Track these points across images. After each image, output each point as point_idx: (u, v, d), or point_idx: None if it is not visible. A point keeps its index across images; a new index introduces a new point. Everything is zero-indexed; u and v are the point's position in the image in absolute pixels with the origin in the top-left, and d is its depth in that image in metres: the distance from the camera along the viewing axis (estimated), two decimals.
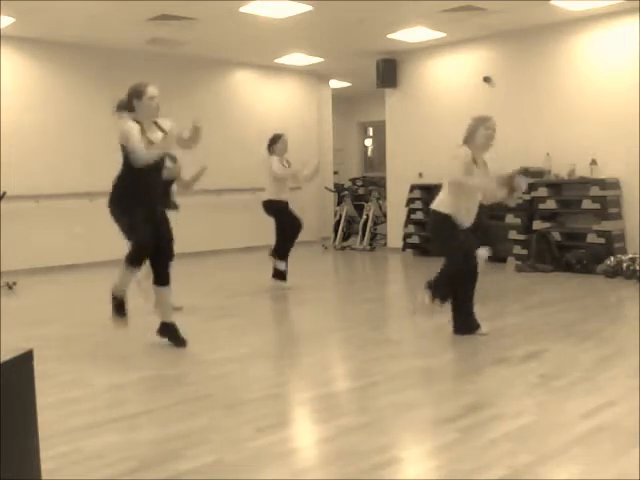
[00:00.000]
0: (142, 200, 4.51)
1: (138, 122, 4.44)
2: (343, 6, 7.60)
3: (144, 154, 4.34)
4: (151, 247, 4.53)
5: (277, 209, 7.11)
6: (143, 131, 4.43)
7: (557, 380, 3.89)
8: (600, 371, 4.06)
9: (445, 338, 4.90)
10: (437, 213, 4.72)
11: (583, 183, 8.30)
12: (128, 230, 4.54)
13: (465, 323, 4.92)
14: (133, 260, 4.54)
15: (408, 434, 3.23)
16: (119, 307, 4.64)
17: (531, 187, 8.67)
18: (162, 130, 4.54)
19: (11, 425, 1.95)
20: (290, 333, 5.71)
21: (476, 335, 4.90)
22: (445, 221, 4.69)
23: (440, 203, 4.75)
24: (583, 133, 8.52)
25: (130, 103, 4.49)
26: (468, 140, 4.70)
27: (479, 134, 4.67)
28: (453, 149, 4.70)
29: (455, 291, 4.75)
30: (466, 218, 4.74)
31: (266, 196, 7.15)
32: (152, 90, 4.50)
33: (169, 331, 4.86)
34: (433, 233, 5.04)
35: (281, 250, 7.16)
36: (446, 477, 2.68)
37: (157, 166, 4.55)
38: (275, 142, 7.13)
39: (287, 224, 7.13)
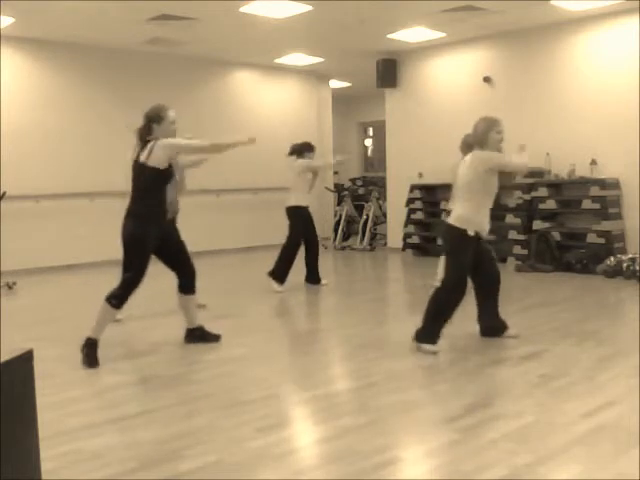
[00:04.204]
0: (157, 224, 4.47)
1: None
2: (343, 6, 7.60)
3: (202, 144, 4.45)
4: (135, 290, 4.46)
5: (300, 216, 7.20)
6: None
7: (557, 380, 3.89)
8: (600, 371, 4.06)
9: (445, 338, 4.89)
10: (454, 228, 4.51)
11: (583, 183, 8.30)
12: (135, 260, 4.39)
13: (490, 325, 4.89)
14: (121, 297, 4.39)
15: (408, 434, 3.23)
16: (91, 354, 4.38)
17: (531, 187, 8.69)
18: None
19: (11, 425, 1.95)
20: (290, 333, 5.71)
21: (504, 337, 4.86)
22: (460, 237, 4.49)
23: (458, 218, 4.52)
24: (583, 133, 8.52)
25: (149, 127, 4.39)
26: (480, 143, 4.52)
27: (491, 138, 4.51)
28: (474, 154, 4.52)
29: (450, 314, 4.53)
30: (486, 224, 4.60)
31: (292, 202, 7.23)
32: (173, 114, 4.46)
33: (199, 335, 4.91)
34: (447, 247, 4.74)
35: (281, 271, 7.14)
36: (446, 477, 2.68)
37: (167, 182, 4.54)
38: (310, 150, 7.31)
39: (305, 237, 7.25)
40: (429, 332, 4.53)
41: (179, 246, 4.75)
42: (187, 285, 4.78)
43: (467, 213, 4.50)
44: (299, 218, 7.21)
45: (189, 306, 4.88)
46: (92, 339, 4.42)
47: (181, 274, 4.77)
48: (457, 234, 4.51)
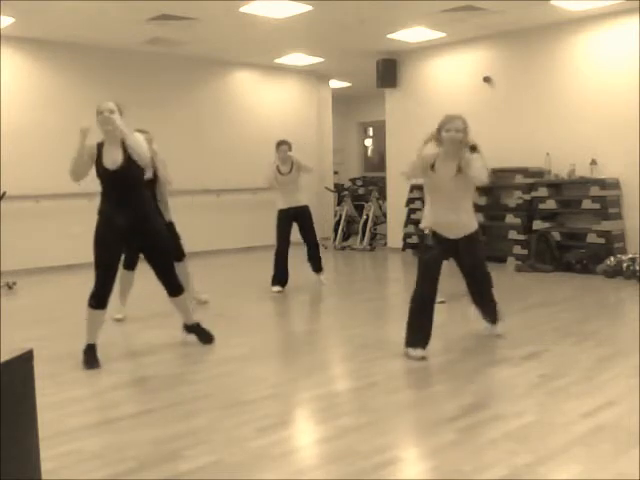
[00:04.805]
0: (116, 222, 4.43)
1: (100, 143, 4.49)
2: (343, 6, 7.60)
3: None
4: (110, 287, 4.48)
5: (278, 219, 7.17)
6: (100, 151, 4.50)
7: (557, 380, 3.89)
8: (600, 371, 4.06)
9: (445, 338, 4.89)
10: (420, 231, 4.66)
11: (583, 183, 8.29)
12: (96, 257, 4.45)
13: (487, 310, 4.86)
14: (96, 297, 4.41)
15: (408, 434, 3.23)
16: (90, 357, 4.41)
17: (531, 187, 8.70)
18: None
19: (11, 425, 1.95)
20: (290, 333, 5.71)
21: (493, 336, 4.85)
22: (423, 238, 4.57)
23: (423, 218, 4.65)
24: (583, 133, 8.51)
25: None
26: (436, 141, 4.54)
27: (441, 137, 4.50)
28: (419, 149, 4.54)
29: (422, 311, 4.43)
30: (445, 224, 4.47)
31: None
32: (99, 105, 4.49)
33: (194, 330, 4.93)
34: None
35: (275, 275, 7.13)
36: (446, 477, 2.68)
37: (124, 182, 4.46)
38: (276, 148, 7.19)
39: (303, 237, 7.26)
40: (409, 335, 4.46)
41: (154, 247, 4.68)
42: (171, 289, 4.75)
43: (425, 211, 4.66)
44: (277, 221, 7.20)
45: (182, 305, 4.85)
46: (89, 345, 4.45)
47: (161, 281, 4.74)
48: (422, 235, 4.66)
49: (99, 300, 4.43)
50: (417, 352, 4.38)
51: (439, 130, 4.52)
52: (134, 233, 4.52)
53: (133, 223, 4.48)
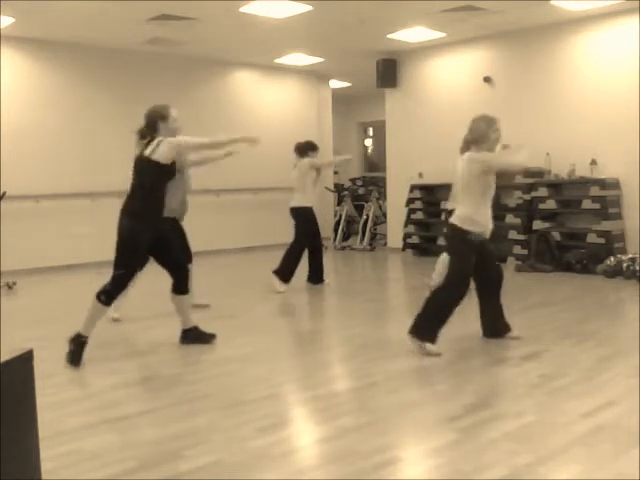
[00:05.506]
0: (153, 223, 4.45)
1: None
2: (343, 6, 7.60)
3: (210, 141, 4.54)
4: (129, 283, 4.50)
5: (305, 217, 7.23)
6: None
7: (557, 380, 3.89)
8: (600, 371, 4.06)
9: (445, 338, 4.88)
10: (456, 227, 4.50)
11: (583, 183, 8.30)
12: (126, 258, 4.40)
13: (493, 326, 4.84)
14: (110, 294, 4.38)
15: (408, 434, 3.23)
16: (77, 352, 4.37)
17: (531, 187, 8.70)
18: None
19: (11, 425, 1.95)
20: (290, 333, 5.71)
21: (506, 339, 4.81)
22: (462, 237, 4.47)
23: (460, 218, 4.49)
24: (583, 133, 8.52)
25: (154, 126, 4.43)
26: (478, 142, 4.46)
27: (490, 137, 4.46)
28: (470, 156, 4.45)
29: (449, 314, 4.47)
30: (487, 224, 4.55)
31: (295, 203, 7.26)
32: (175, 113, 4.50)
33: (194, 336, 4.90)
34: (449, 247, 4.79)
35: (287, 270, 7.12)
36: (446, 477, 2.68)
37: (167, 179, 4.53)
38: (313, 149, 7.37)
39: (310, 237, 7.27)
40: (428, 329, 4.47)
41: (172, 245, 4.75)
42: (178, 285, 4.77)
43: (469, 213, 4.47)
44: (302, 219, 7.21)
45: (182, 306, 4.86)
46: (81, 336, 4.41)
47: (172, 274, 4.76)
48: (459, 234, 4.49)
49: (111, 298, 4.43)
50: (434, 348, 4.42)
51: (485, 131, 4.48)
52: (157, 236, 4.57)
53: (160, 222, 4.56)
